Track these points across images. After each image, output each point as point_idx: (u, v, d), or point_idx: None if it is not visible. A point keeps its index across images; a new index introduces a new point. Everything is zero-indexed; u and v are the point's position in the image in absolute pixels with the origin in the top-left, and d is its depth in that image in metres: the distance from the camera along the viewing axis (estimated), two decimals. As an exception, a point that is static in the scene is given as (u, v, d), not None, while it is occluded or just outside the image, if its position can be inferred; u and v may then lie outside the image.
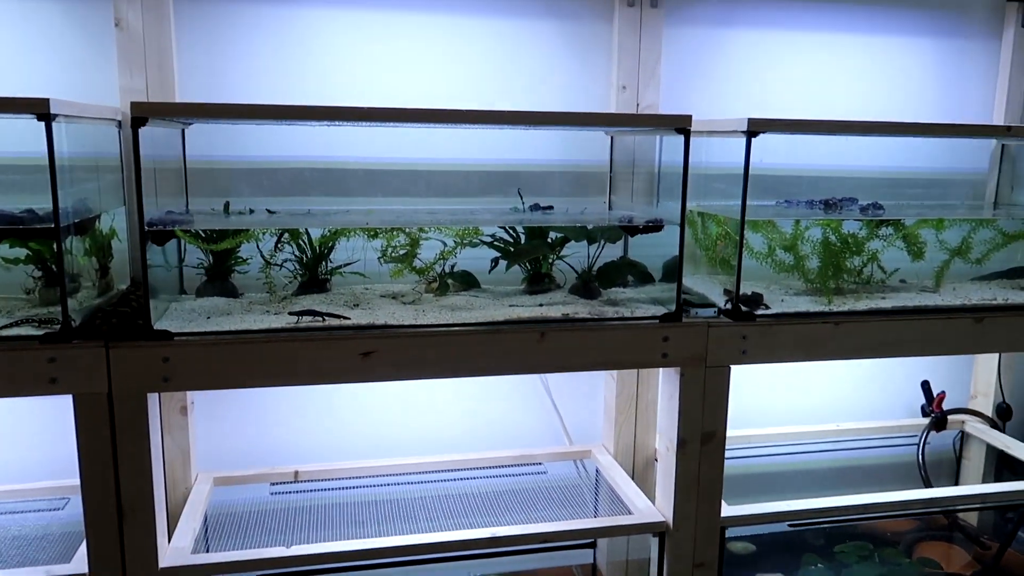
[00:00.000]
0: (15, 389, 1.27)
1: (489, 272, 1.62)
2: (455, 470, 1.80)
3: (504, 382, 1.89)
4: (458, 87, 1.78)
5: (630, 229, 1.59)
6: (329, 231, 1.55)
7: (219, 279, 1.54)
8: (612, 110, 1.82)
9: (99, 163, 1.56)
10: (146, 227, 1.30)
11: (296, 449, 1.81)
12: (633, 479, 1.79)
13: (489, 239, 1.60)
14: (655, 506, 1.61)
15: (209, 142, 1.67)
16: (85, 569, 1.35)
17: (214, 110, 1.38)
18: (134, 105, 1.27)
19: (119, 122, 1.58)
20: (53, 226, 1.25)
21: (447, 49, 1.76)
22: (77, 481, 1.67)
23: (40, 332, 1.28)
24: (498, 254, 1.61)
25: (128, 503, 1.34)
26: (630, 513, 1.61)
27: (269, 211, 1.57)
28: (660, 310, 1.51)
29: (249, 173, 1.69)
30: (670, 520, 1.54)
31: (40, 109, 1.23)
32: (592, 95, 1.85)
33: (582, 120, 1.67)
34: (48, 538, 1.52)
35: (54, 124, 1.23)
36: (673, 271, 1.52)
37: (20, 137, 1.56)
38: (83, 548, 1.42)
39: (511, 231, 1.62)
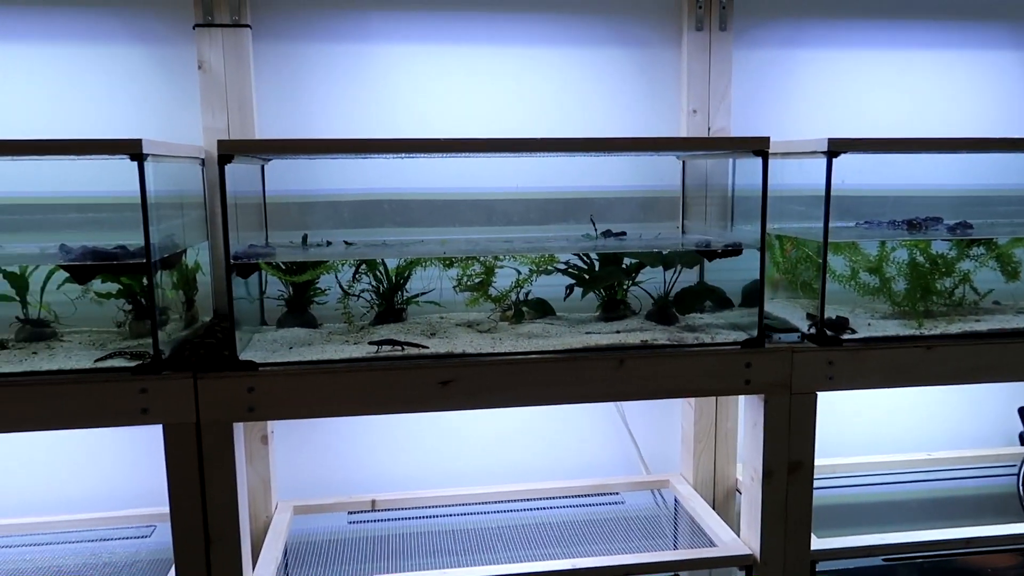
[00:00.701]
0: (109, 419, 1.31)
1: (564, 299, 1.61)
2: (531, 499, 1.78)
3: (579, 410, 1.87)
4: (527, 117, 1.79)
5: (708, 254, 1.56)
6: (405, 261, 1.57)
7: (299, 310, 1.57)
8: (682, 135, 1.81)
9: (183, 200, 1.61)
10: (232, 260, 1.33)
11: (373, 477, 1.82)
12: (714, 510, 1.74)
13: (563, 266, 1.59)
14: (740, 539, 1.55)
15: (286, 177, 1.71)
16: (173, 597, 1.38)
17: (296, 146, 1.42)
18: (221, 143, 1.31)
19: (202, 160, 1.64)
20: (145, 261, 1.30)
21: (515, 80, 1.78)
22: (163, 509, 1.73)
23: (132, 364, 1.33)
24: (572, 281, 1.60)
25: (215, 531, 1.36)
26: (714, 545, 1.56)
27: (347, 243, 1.59)
28: (740, 336, 1.47)
29: (325, 206, 1.72)
30: (757, 553, 1.49)
31: (133, 149, 1.28)
32: (661, 120, 1.84)
33: (660, 145, 1.66)
34: (137, 565, 1.56)
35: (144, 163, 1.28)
36: (753, 295, 1.49)
37: (109, 176, 1.64)
38: (173, 573, 1.45)
39: (585, 258, 1.61)
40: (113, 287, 1.49)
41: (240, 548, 1.37)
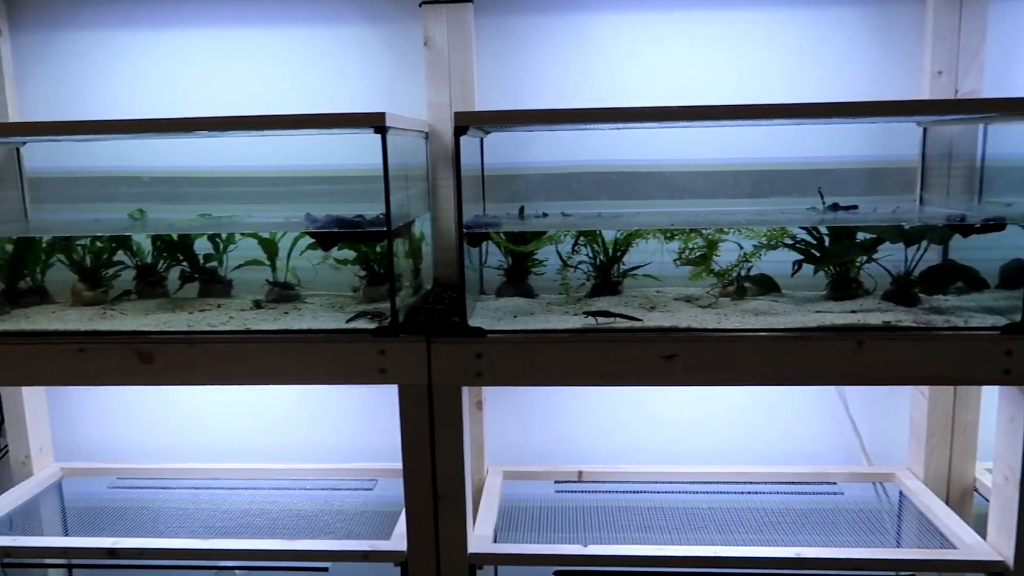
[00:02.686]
0: (352, 377, 1.41)
1: (792, 275, 1.53)
2: (743, 483, 1.72)
3: (794, 393, 1.78)
4: (747, 84, 1.71)
5: (963, 229, 1.42)
6: (621, 234, 1.55)
7: (518, 280, 1.60)
8: (924, 97, 1.65)
9: (409, 173, 1.69)
10: (464, 229, 1.37)
11: (578, 449, 1.84)
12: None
13: (791, 241, 1.51)
14: (988, 543, 1.42)
15: (501, 150, 1.75)
16: (403, 547, 1.46)
17: (529, 116, 1.43)
18: (457, 115, 1.34)
19: (426, 134, 1.70)
20: (385, 229, 1.38)
21: (735, 45, 1.70)
22: (382, 464, 1.85)
23: (372, 326, 1.41)
24: (800, 257, 1.52)
25: (442, 488, 1.42)
26: (953, 547, 1.43)
27: (564, 214, 1.60)
28: (999, 320, 1.33)
29: (541, 179, 1.74)
30: (1010, 560, 1.35)
31: (377, 122, 1.35)
32: (898, 84, 1.69)
33: (906, 109, 1.50)
34: (364, 515, 1.67)
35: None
36: (1016, 275, 1.34)
37: (341, 151, 1.75)
38: (399, 527, 1.54)
39: (814, 232, 1.51)
40: (350, 254, 1.59)
41: (465, 506, 1.43)
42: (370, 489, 1.79)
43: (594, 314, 1.42)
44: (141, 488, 1.84)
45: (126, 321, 1.49)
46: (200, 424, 1.92)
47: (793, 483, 1.72)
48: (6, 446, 1.88)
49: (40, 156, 1.80)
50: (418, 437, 1.41)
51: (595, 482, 1.76)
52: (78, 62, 1.77)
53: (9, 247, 1.63)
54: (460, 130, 1.34)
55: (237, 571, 1.94)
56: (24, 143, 1.77)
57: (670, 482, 1.73)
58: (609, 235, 1.57)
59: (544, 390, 1.83)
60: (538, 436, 1.86)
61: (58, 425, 1.93)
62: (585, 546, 1.45)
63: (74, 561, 1.53)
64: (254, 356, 1.40)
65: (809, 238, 1.52)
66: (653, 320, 1.41)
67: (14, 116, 1.77)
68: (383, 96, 1.77)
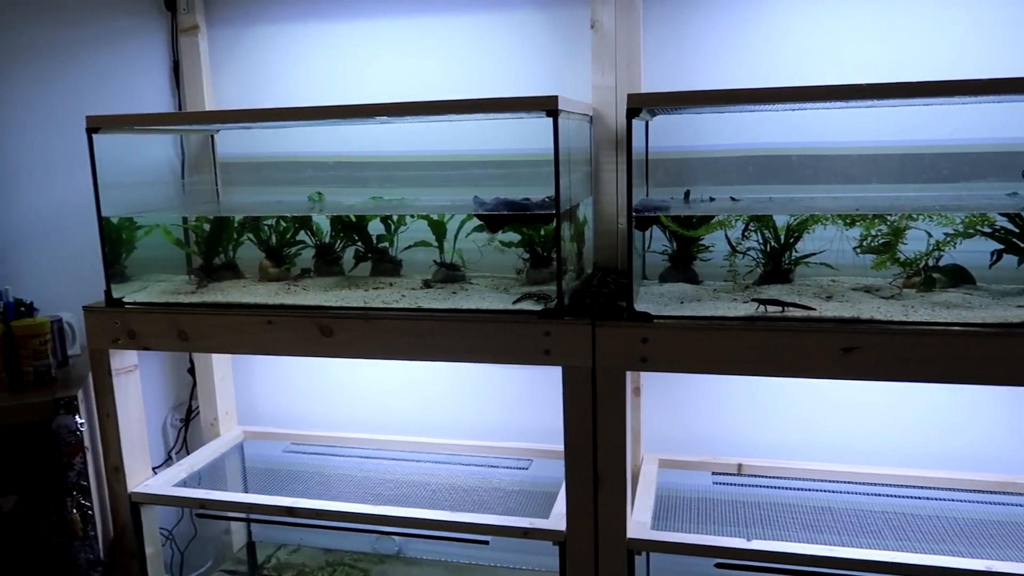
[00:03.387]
0: (517, 357, 1.43)
1: (990, 267, 1.41)
2: (924, 487, 1.61)
3: (992, 393, 1.64)
4: (930, 59, 1.58)
5: None
6: (795, 219, 1.49)
7: (683, 266, 1.58)
8: None
9: (572, 157, 1.69)
10: (633, 213, 1.36)
11: (737, 440, 1.79)
12: None
13: (989, 229, 1.39)
14: None
15: (667, 134, 1.71)
16: (562, 527, 1.47)
17: (705, 97, 1.38)
18: (630, 96, 1.33)
19: (591, 117, 1.70)
20: (554, 212, 1.39)
21: (917, 16, 1.58)
22: (536, 445, 1.88)
23: (538, 308, 1.43)
24: (1000, 246, 1.39)
25: (603, 471, 1.43)
26: None
27: (733, 199, 1.55)
28: None
29: (706, 163, 1.69)
30: None
31: (550, 106, 1.36)
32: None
33: None
34: (520, 494, 1.70)
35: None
36: None
37: (506, 135, 1.78)
38: (557, 507, 1.56)
39: (1017, 219, 1.38)
40: (515, 237, 1.61)
41: (625, 490, 1.43)
42: (525, 469, 1.82)
43: (764, 302, 1.37)
44: (313, 454, 1.96)
45: (307, 296, 1.60)
46: (367, 397, 2.02)
47: (983, 491, 1.58)
48: (197, 409, 2.07)
49: (230, 143, 1.95)
50: (580, 419, 1.42)
51: (756, 476, 1.71)
52: (266, 54, 1.90)
53: (206, 226, 1.78)
54: (632, 112, 1.33)
55: (396, 538, 2.04)
56: (217, 131, 1.93)
57: (840, 481, 1.65)
58: (780, 221, 1.51)
59: (702, 379, 1.79)
60: (695, 425, 1.82)
61: (241, 392, 2.10)
62: (748, 540, 1.41)
63: (253, 516, 1.66)
64: (425, 333, 1.46)
65: (1011, 226, 1.39)
66: (829, 311, 1.34)
67: (209, 106, 1.93)
68: (548, 80, 1.78)
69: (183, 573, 2.14)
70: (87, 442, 1.63)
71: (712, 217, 1.48)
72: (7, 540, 1.62)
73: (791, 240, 1.50)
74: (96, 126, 1.57)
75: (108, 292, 1.63)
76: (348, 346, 1.51)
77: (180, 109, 1.94)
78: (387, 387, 2.00)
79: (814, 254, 1.51)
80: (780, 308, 1.34)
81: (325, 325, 1.51)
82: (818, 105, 1.47)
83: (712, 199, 1.58)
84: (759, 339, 1.31)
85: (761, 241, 1.51)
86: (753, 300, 1.38)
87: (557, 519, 1.50)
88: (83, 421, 1.62)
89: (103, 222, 1.61)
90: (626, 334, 1.37)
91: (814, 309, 1.35)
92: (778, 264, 1.52)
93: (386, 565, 2.00)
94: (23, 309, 1.74)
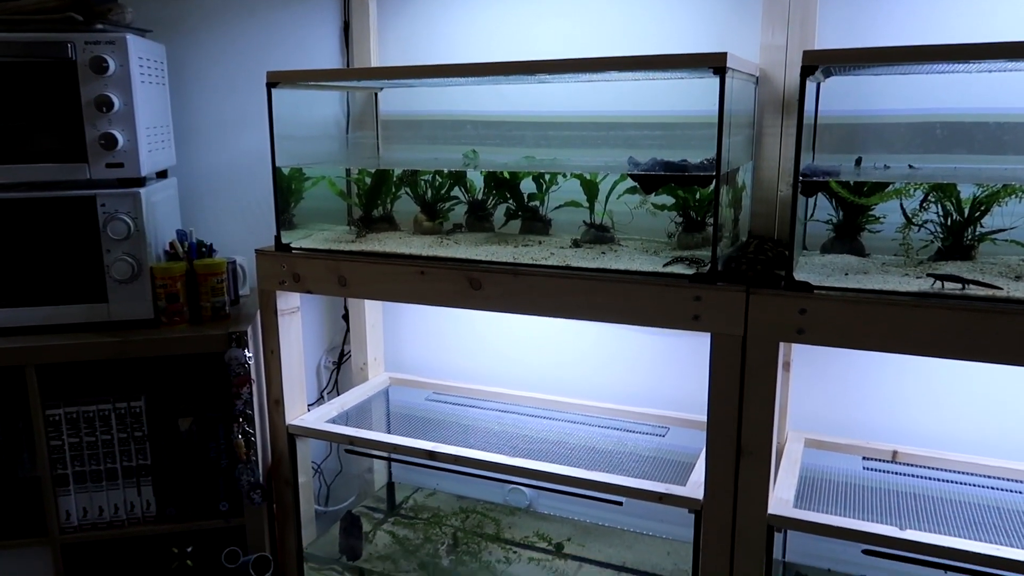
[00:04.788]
0: (665, 321, 1.41)
1: None
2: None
3: None
4: None
5: None
6: (982, 191, 1.36)
7: (848, 236, 1.49)
8: None
9: (734, 120, 1.63)
10: (800, 177, 1.30)
11: (891, 427, 1.69)
12: None
13: None
14: None
15: (836, 97, 1.62)
16: (699, 495, 1.45)
17: (894, 54, 1.27)
18: (806, 54, 1.26)
19: (756, 79, 1.63)
20: (714, 174, 1.35)
21: None
22: (674, 413, 1.86)
23: (690, 272, 1.40)
24: None
25: (747, 444, 1.39)
26: None
27: (911, 167, 1.45)
28: None
29: (878, 128, 1.59)
30: None
31: (717, 63, 1.31)
32: None
33: None
34: (656, 461, 1.69)
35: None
36: None
37: (662, 96, 1.74)
38: (694, 476, 1.54)
39: None
40: (668, 200, 1.58)
41: (769, 465, 1.39)
42: (662, 436, 1.80)
43: (942, 277, 1.27)
44: (453, 404, 2.03)
45: (459, 250, 1.64)
46: (508, 353, 2.06)
47: None
48: (349, 353, 2.19)
49: (392, 101, 2.03)
50: (727, 388, 1.38)
51: (913, 465, 1.61)
52: (431, 16, 1.95)
53: (368, 180, 1.86)
54: (807, 70, 1.26)
55: (527, 492, 2.08)
56: (381, 88, 2.00)
57: (1011, 479, 1.52)
58: (964, 193, 1.39)
59: (856, 359, 1.70)
60: (847, 407, 1.73)
61: (390, 340, 2.20)
62: (902, 529, 1.33)
63: (395, 456, 1.74)
64: (573, 291, 1.47)
65: None
66: (1019, 292, 1.22)
67: (375, 65, 2.00)
68: (712, 43, 1.72)
69: (328, 504, 2.29)
70: (253, 375, 1.77)
71: (887, 184, 1.38)
72: (183, 457, 1.79)
73: (976, 214, 1.38)
74: (275, 81, 1.67)
75: (278, 238, 1.75)
76: (496, 300, 1.54)
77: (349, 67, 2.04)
78: (528, 345, 2.03)
79: (1003, 230, 1.39)
80: (960, 285, 1.24)
81: (475, 278, 1.55)
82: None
83: (887, 167, 1.48)
84: (933, 317, 1.22)
85: (941, 214, 1.40)
86: (929, 275, 1.29)
87: (694, 487, 1.48)
88: (251, 355, 1.75)
89: (276, 172, 1.72)
90: (783, 303, 1.31)
91: (1000, 288, 1.24)
92: (959, 239, 1.40)
93: (516, 517, 2.05)
94: (204, 250, 1.90)
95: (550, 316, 1.51)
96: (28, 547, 1.76)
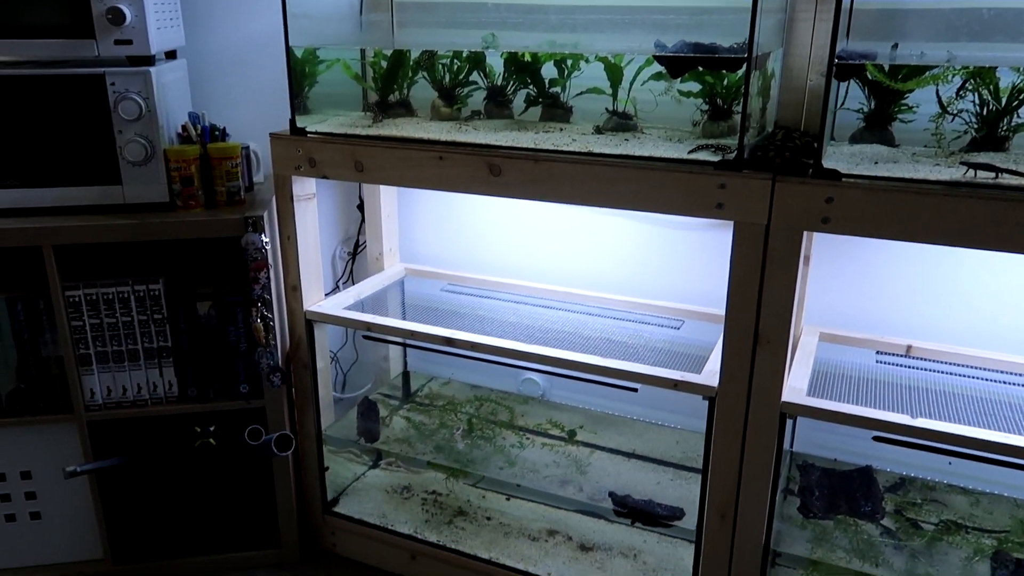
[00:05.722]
0: (687, 209, 1.40)
1: None
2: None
3: None
4: None
5: None
6: (1022, 77, 1.31)
7: (879, 126, 1.45)
8: None
9: (765, 4, 1.56)
10: (835, 60, 1.25)
11: (908, 323, 1.69)
12: None
13: None
14: None
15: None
16: (714, 383, 1.47)
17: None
18: (851, -75, 1.20)
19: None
20: (746, 56, 1.30)
21: None
22: (688, 306, 1.86)
23: (715, 159, 1.37)
24: None
25: (764, 333, 1.40)
26: None
27: (949, 54, 1.39)
28: None
29: (917, 14, 1.51)
30: None
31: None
32: None
33: None
34: (671, 353, 1.70)
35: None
36: None
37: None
38: (709, 365, 1.56)
39: None
40: (694, 87, 1.53)
41: (786, 354, 1.40)
42: (677, 328, 1.81)
43: (975, 166, 1.24)
44: (469, 295, 2.04)
45: (478, 135, 1.60)
46: (524, 245, 2.06)
47: None
48: (364, 243, 2.18)
49: (407, -20, 1.94)
50: (747, 277, 1.38)
51: (926, 359, 1.62)
52: None
53: (383, 63, 1.80)
54: (849, -57, 1.19)
55: (540, 382, 2.12)
56: (397, -34, 1.91)
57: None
58: (1004, 82, 1.34)
59: (875, 254, 1.69)
60: (861, 303, 1.73)
61: (405, 231, 2.19)
62: (913, 417, 1.36)
63: (411, 342, 1.76)
64: (594, 178, 1.45)
65: None
66: (1051, 182, 1.20)
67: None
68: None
69: (345, 391, 2.34)
70: (270, 260, 1.77)
71: (925, 70, 1.33)
72: (203, 340, 1.81)
73: (1014, 103, 1.33)
74: (287, -48, 1.60)
75: (292, 121, 1.71)
76: (516, 186, 1.52)
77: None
78: (545, 238, 2.02)
79: (1041, 120, 1.35)
80: (993, 174, 1.22)
81: (495, 164, 1.53)
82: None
83: (923, 54, 1.42)
84: (964, 206, 1.20)
85: (978, 102, 1.36)
86: (962, 163, 1.26)
87: (709, 375, 1.50)
88: (267, 240, 1.75)
89: (290, 52, 1.66)
90: (809, 191, 1.29)
91: (1033, 178, 1.21)
92: (994, 130, 1.36)
93: (529, 406, 2.10)
94: (216, 134, 1.86)
95: (571, 203, 1.49)
96: (56, 423, 1.81)
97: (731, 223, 1.37)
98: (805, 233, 1.34)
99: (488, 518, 1.97)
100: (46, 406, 1.81)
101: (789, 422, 1.49)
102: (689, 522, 1.67)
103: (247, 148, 1.94)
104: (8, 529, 1.88)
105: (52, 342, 1.78)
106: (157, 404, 1.83)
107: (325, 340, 1.94)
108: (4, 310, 1.73)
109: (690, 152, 1.40)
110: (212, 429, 1.85)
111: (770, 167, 1.34)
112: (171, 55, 1.97)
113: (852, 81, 1.44)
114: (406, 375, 2.27)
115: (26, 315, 1.75)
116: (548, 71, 1.71)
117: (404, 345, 2.15)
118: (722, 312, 1.44)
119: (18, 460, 1.84)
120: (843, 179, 1.28)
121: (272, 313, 1.79)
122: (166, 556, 1.95)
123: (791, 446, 1.77)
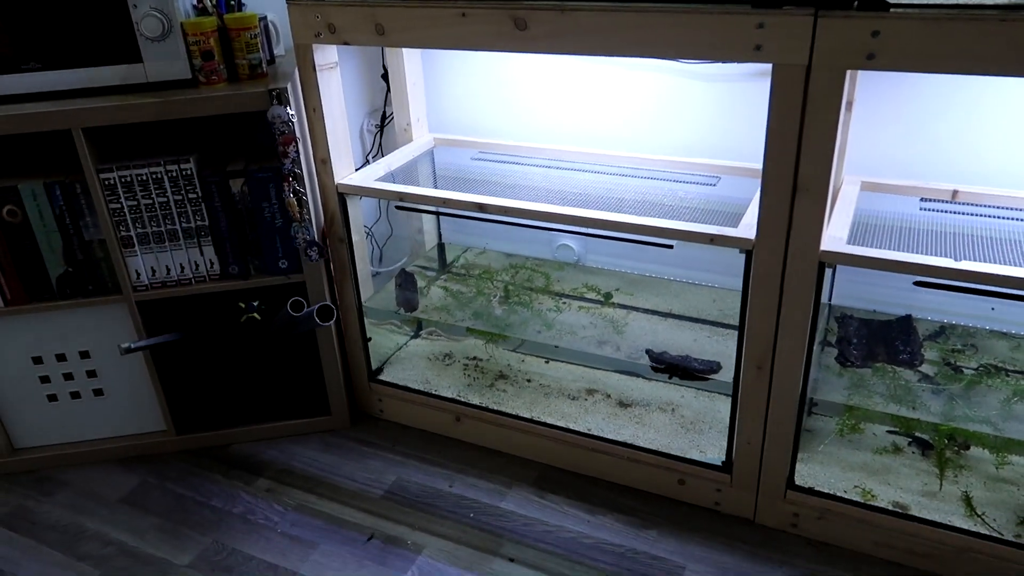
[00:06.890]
0: (723, 53, 1.33)
1: None
2: None
3: None
4: None
5: None
6: None
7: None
8: None
9: None
10: None
11: (955, 168, 1.63)
12: None
13: None
14: None
15: None
16: (751, 236, 1.45)
17: None
18: None
19: None
20: None
21: None
22: (724, 162, 1.82)
23: (753, -4, 1.29)
24: None
25: (803, 181, 1.36)
26: None
27: None
28: None
29: None
30: None
31: None
32: None
33: None
34: (707, 211, 1.67)
35: None
36: None
37: None
38: (746, 219, 1.53)
39: None
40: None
41: (825, 203, 1.36)
42: (713, 185, 1.78)
43: (1034, -12, 1.15)
44: (500, 162, 2.01)
45: (501, -12, 1.53)
46: (553, 108, 2.00)
47: None
48: (391, 115, 2.15)
49: None
50: (787, 123, 1.33)
51: (973, 204, 1.57)
52: None
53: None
54: None
55: (575, 248, 2.12)
56: None
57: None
58: None
59: (922, 99, 1.61)
60: (906, 150, 1.67)
61: (432, 100, 2.15)
62: (957, 260, 1.33)
63: (441, 209, 1.76)
64: (624, 26, 1.38)
65: None
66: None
67: None
68: None
69: (382, 264, 2.37)
70: (298, 133, 1.75)
71: None
72: (240, 218, 1.83)
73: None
74: None
75: (307, -16, 1.65)
76: (543, 40, 1.46)
77: None
78: (573, 98, 1.96)
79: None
80: (1056, -7, 1.13)
81: (520, 17, 1.46)
82: None
83: None
84: (1022, 32, 1.12)
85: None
86: (1017, -15, 1.17)
87: (746, 229, 1.48)
88: (293, 112, 1.72)
89: (299, -94, 1.58)
90: (854, 25, 1.22)
91: (1095, 2, 1.12)
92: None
93: (565, 272, 2.11)
94: (232, 3, 1.81)
95: (600, 55, 1.43)
96: (107, 304, 1.87)
97: (767, 73, 1.31)
98: (848, 76, 1.28)
99: (528, 380, 2.02)
100: (95, 288, 1.87)
101: (828, 272, 1.47)
102: (726, 375, 1.70)
103: (264, 18, 1.89)
104: (75, 406, 1.99)
105: (93, 225, 1.81)
106: (201, 283, 1.88)
107: (359, 213, 1.94)
108: (43, 195, 1.76)
109: (726, -10, 1.32)
110: (256, 303, 1.90)
111: (811, 1, 1.26)
112: (177, -78, 1.88)
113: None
114: (441, 247, 2.28)
115: (65, 199, 1.77)
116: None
117: (436, 214, 2.15)
118: (759, 166, 1.40)
119: (75, 340, 1.92)
120: (891, 10, 1.19)
121: (304, 188, 1.79)
122: (226, 425, 2.06)
123: (830, 299, 1.76)
